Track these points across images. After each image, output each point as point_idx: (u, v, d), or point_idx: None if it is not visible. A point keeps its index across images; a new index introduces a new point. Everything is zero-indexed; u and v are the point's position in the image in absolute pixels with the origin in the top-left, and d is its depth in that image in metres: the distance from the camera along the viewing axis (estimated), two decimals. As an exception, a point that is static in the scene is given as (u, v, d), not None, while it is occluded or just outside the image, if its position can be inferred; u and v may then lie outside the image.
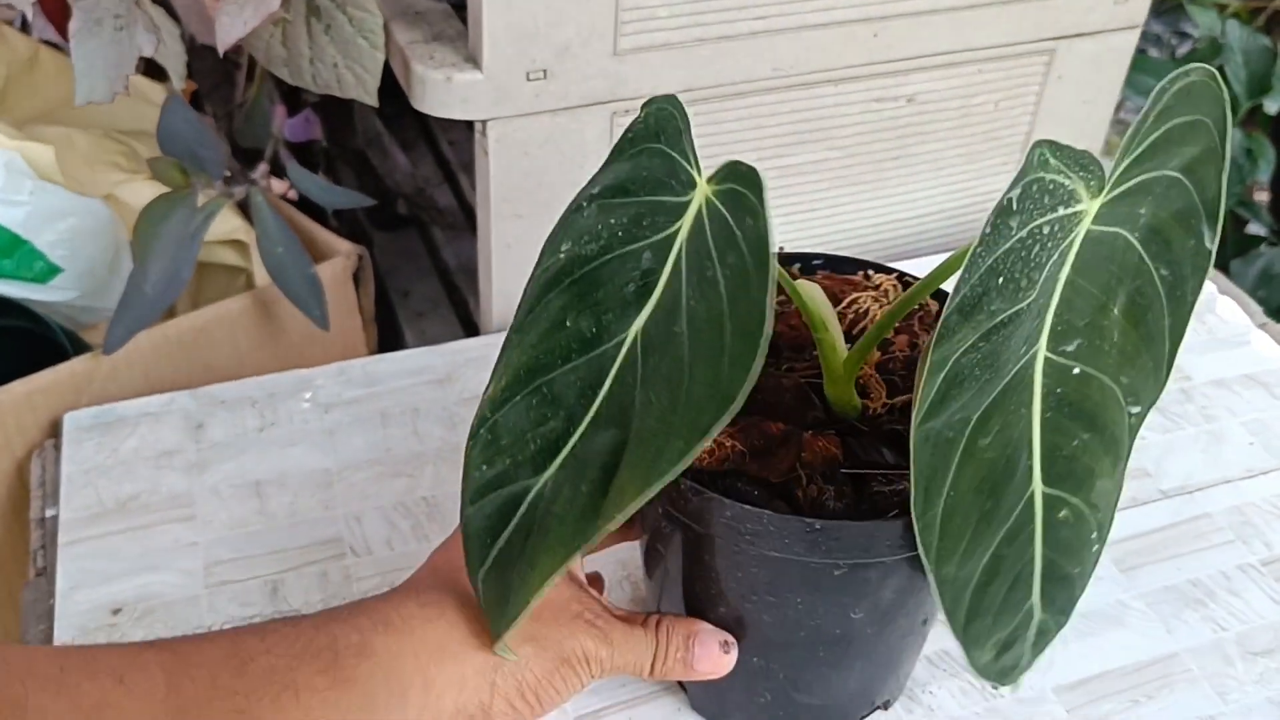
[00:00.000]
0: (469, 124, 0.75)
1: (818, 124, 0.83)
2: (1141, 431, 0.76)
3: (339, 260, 0.89)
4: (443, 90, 0.73)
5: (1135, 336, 0.47)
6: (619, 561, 0.68)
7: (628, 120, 0.77)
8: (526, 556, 0.45)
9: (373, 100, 0.72)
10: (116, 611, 0.65)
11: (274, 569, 0.67)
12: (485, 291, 0.83)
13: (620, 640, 0.52)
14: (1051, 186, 0.44)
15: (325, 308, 0.81)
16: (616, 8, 0.73)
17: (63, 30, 1.06)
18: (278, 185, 0.83)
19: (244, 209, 0.89)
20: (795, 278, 0.56)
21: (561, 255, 0.47)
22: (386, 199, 1.00)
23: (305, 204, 0.94)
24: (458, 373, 0.80)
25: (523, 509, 0.46)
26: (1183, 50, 1.82)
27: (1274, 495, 0.73)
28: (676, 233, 0.45)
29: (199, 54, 1.08)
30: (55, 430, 0.76)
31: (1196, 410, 0.79)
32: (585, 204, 0.48)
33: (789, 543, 0.49)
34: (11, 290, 0.82)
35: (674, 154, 0.46)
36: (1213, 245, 0.46)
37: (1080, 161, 0.45)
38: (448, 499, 0.72)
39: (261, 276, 0.89)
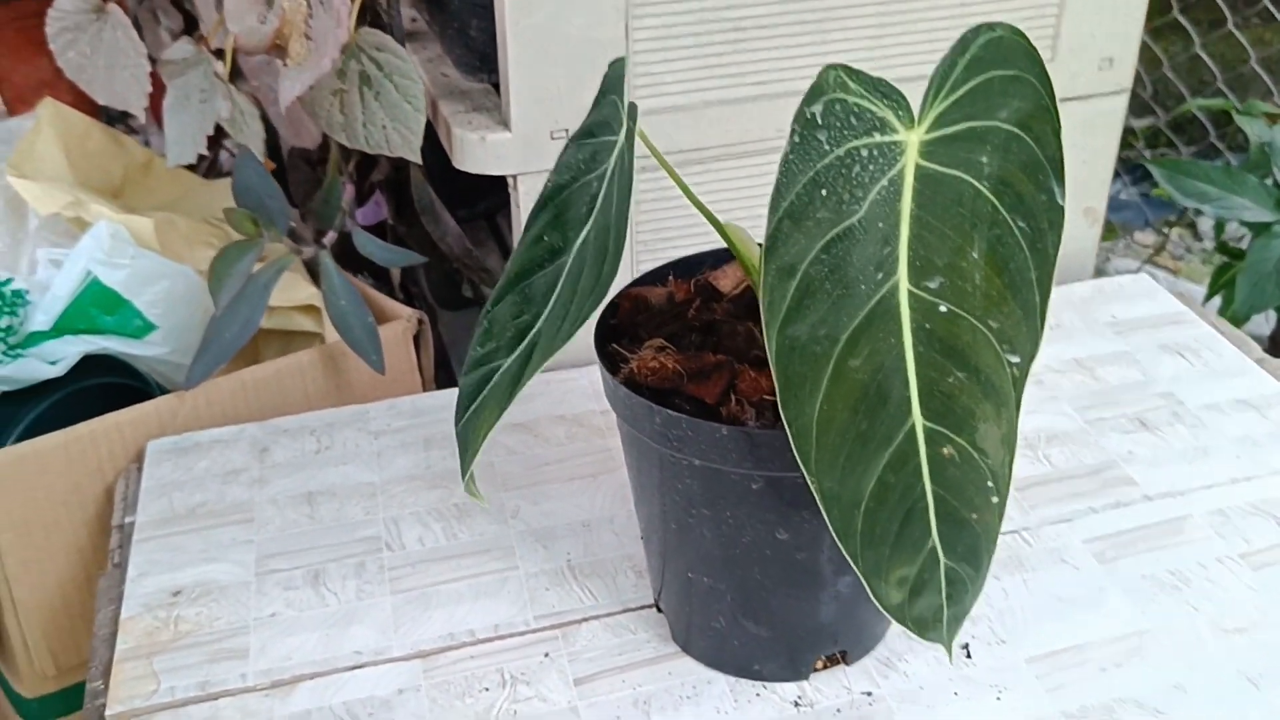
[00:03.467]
0: None
1: (822, 181, 0.91)
2: (1129, 447, 0.81)
3: (400, 322, 0.99)
4: (478, 149, 0.83)
5: (1000, 283, 0.51)
6: (625, 556, 0.74)
7: (643, 177, 0.87)
8: (479, 414, 0.56)
9: (416, 157, 0.82)
10: (176, 593, 0.73)
11: (317, 560, 0.75)
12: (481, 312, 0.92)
13: None
14: (858, 109, 0.50)
15: (381, 354, 0.90)
16: (628, 75, 0.83)
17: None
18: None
19: (317, 280, 1.00)
20: None
21: (549, 185, 0.58)
22: (452, 279, 1.11)
23: (376, 287, 1.05)
24: (495, 406, 0.88)
25: (492, 381, 0.56)
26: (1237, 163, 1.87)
27: (1258, 499, 0.77)
28: (608, 167, 0.55)
29: (295, 166, 1.23)
30: (140, 458, 0.86)
31: (1186, 430, 0.83)
32: (570, 143, 0.59)
33: (705, 449, 0.56)
34: (113, 345, 0.94)
35: (618, 103, 0.56)
36: (1063, 202, 0.51)
37: (880, 89, 0.51)
38: (477, 507, 0.79)
39: (332, 336, 0.99)
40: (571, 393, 0.89)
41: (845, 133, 0.50)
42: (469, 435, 0.59)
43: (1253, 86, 2.09)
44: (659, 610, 0.70)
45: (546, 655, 0.68)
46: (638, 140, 0.54)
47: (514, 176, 0.85)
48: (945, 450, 0.52)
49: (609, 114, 0.57)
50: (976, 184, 0.51)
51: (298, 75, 0.75)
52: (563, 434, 0.85)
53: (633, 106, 0.55)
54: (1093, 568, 0.72)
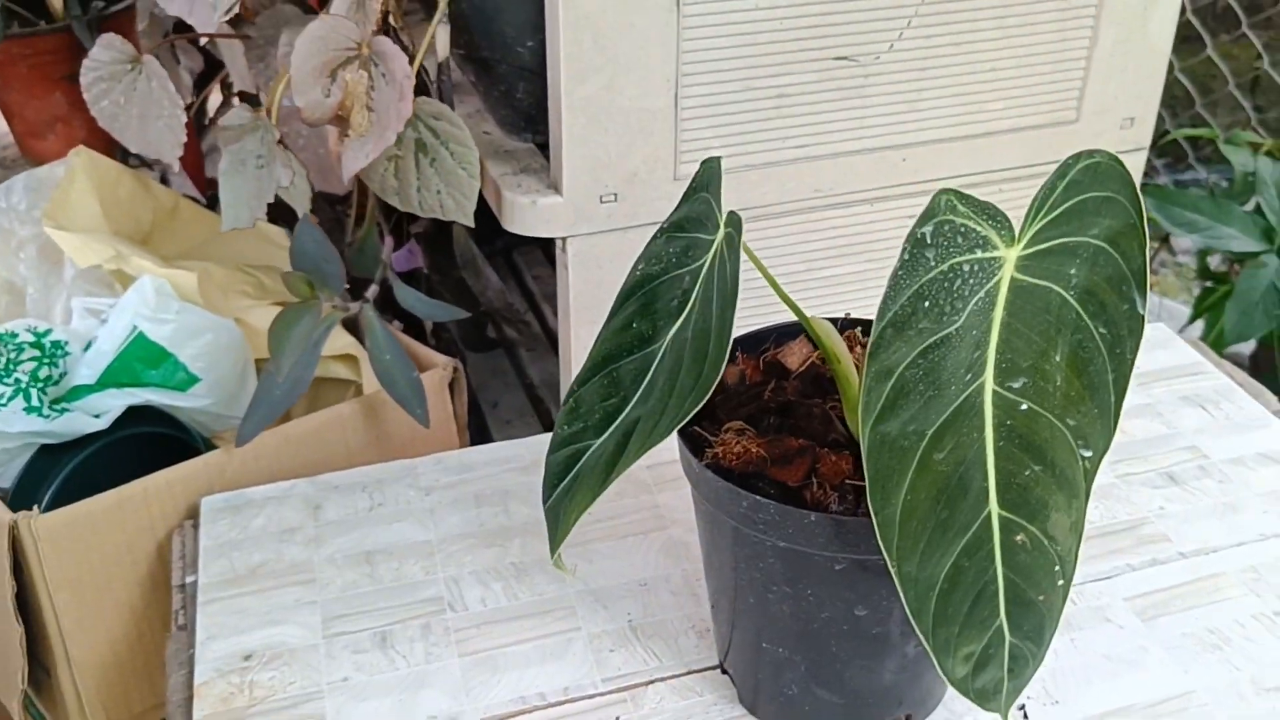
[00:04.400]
0: (550, 260, 0.87)
1: (856, 239, 0.94)
2: (1160, 503, 0.84)
3: (437, 371, 1.01)
4: (529, 213, 0.85)
5: (1079, 384, 0.54)
6: (685, 616, 0.77)
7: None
8: (571, 496, 0.60)
9: (469, 221, 0.84)
10: (248, 658, 0.75)
11: (383, 622, 0.77)
12: (567, 391, 0.94)
13: None
14: (964, 229, 0.54)
15: (426, 407, 0.92)
16: (676, 141, 0.85)
17: (199, 183, 1.22)
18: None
19: (353, 330, 1.02)
20: (852, 341, 0.68)
21: (638, 272, 0.62)
22: (479, 322, 1.12)
23: (406, 331, 1.07)
24: (541, 460, 0.90)
25: (581, 461, 0.60)
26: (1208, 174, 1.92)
27: (1286, 556, 0.80)
28: (703, 264, 0.58)
29: (315, 204, 1.24)
30: (193, 513, 0.87)
31: (1214, 484, 0.86)
32: (659, 235, 0.62)
33: (793, 533, 0.59)
34: (157, 397, 0.95)
35: (712, 201, 0.59)
36: (1144, 311, 0.55)
37: (986, 211, 0.55)
38: (534, 565, 0.81)
39: (369, 386, 1.01)
40: (614, 446, 0.91)
41: (951, 250, 0.53)
42: (560, 515, 0.61)
43: (1225, 105, 2.14)
44: (724, 672, 0.73)
45: (618, 719, 0.70)
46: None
47: (563, 239, 0.87)
48: (1019, 537, 0.55)
49: (702, 211, 0.59)
50: (1064, 293, 0.54)
51: (361, 147, 0.76)
52: (611, 491, 0.87)
53: (735, 216, 0.57)
54: (1135, 626, 0.75)
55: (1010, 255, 0.54)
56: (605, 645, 0.75)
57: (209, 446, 0.96)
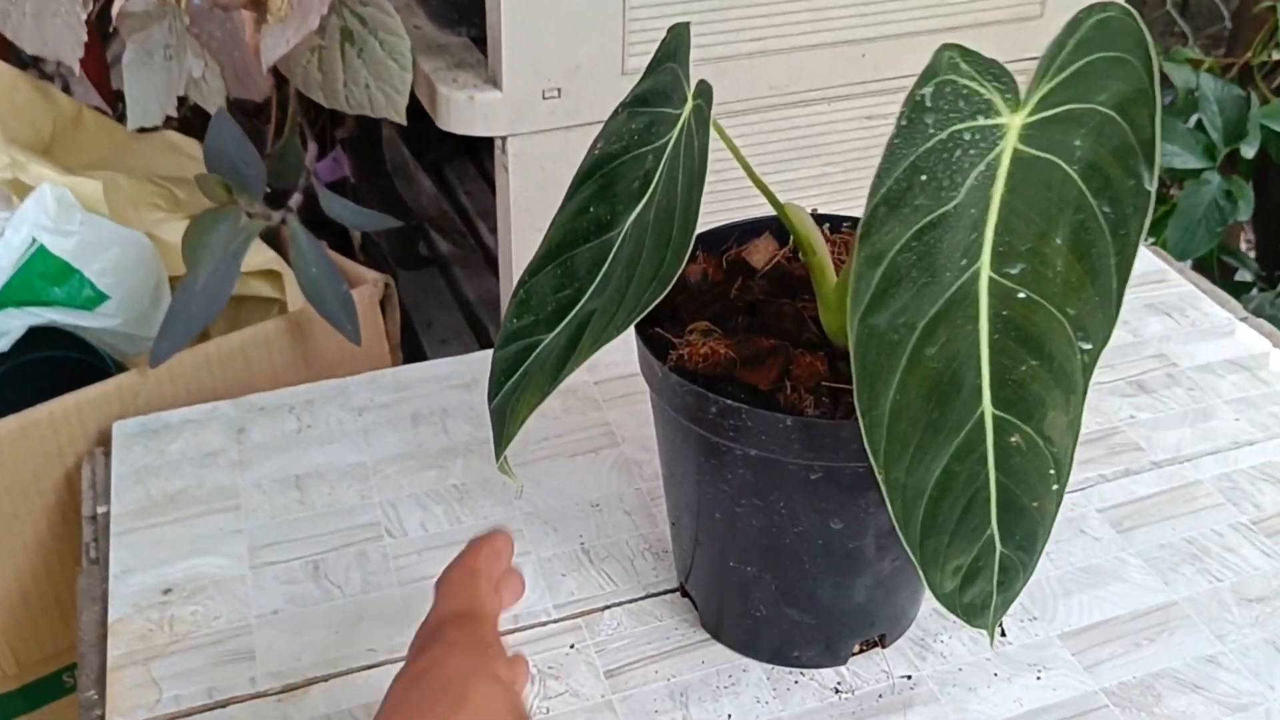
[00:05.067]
0: (483, 174, 0.81)
1: (815, 140, 0.89)
2: (1130, 411, 0.81)
3: (367, 287, 0.94)
4: (466, 109, 0.79)
5: (1080, 269, 0.49)
6: (640, 537, 0.72)
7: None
8: (519, 394, 0.54)
9: (401, 118, 0.78)
10: (167, 591, 0.69)
11: (316, 550, 0.71)
12: (506, 305, 0.88)
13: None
14: (966, 92, 0.48)
15: (357, 323, 0.86)
16: (624, 31, 0.79)
17: (105, 94, 1.13)
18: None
19: (275, 245, 0.95)
20: (828, 237, 0.62)
21: (596, 152, 0.56)
22: (410, 238, 1.06)
23: (332, 247, 1.00)
24: (482, 377, 0.83)
25: (531, 358, 0.54)
26: (1165, 101, 1.90)
27: (1262, 463, 0.77)
28: (668, 141, 0.52)
29: (233, 112, 1.15)
30: (104, 440, 0.81)
31: (1184, 392, 0.83)
32: (620, 109, 0.56)
33: (765, 439, 0.54)
34: (61, 317, 0.87)
35: (679, 71, 0.53)
36: (1151, 186, 0.49)
37: (991, 70, 0.49)
38: (477, 486, 0.76)
39: (294, 303, 0.94)
40: (560, 362, 0.86)
41: (951, 116, 0.48)
42: (506, 414, 0.56)
43: (1158, 26, 2.12)
44: (684, 595, 0.68)
45: (572, 647, 0.66)
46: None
47: (503, 139, 0.80)
48: (1013, 438, 0.50)
49: (668, 83, 0.53)
50: (1066, 168, 0.49)
51: (281, 33, 0.69)
52: (558, 407, 0.82)
53: (705, 86, 0.51)
54: (1111, 538, 0.72)
55: (1014, 123, 0.49)
56: (556, 570, 0.70)
57: (121, 371, 0.89)
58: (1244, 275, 1.66)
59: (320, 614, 0.67)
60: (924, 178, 0.47)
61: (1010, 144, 0.48)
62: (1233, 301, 0.93)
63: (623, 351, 0.87)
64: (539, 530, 0.73)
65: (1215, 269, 1.66)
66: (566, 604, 0.68)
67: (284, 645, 0.66)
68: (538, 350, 0.55)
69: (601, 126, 0.57)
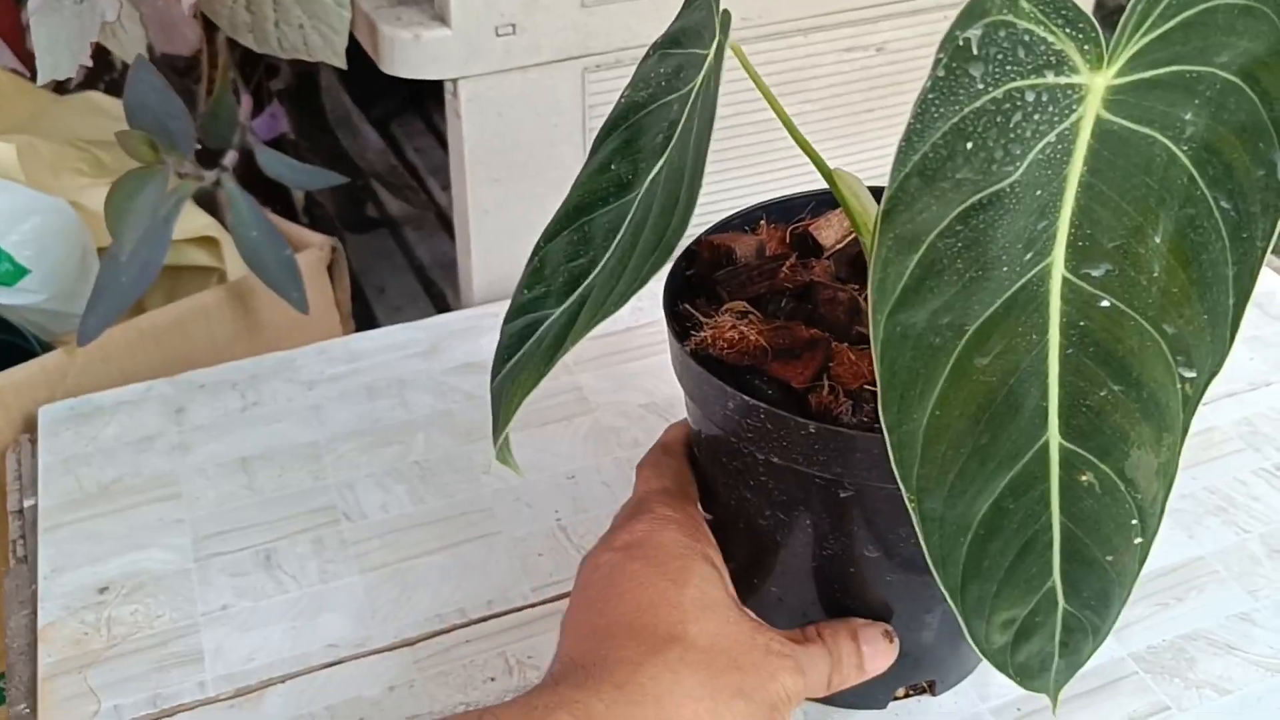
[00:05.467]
0: (433, 130, 0.74)
1: (791, 75, 0.83)
2: (1141, 353, 0.76)
3: (312, 251, 0.87)
4: (412, 50, 0.72)
5: (1184, 278, 0.40)
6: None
7: (599, 76, 0.77)
8: (516, 374, 0.46)
9: (341, 61, 0.71)
10: (104, 590, 0.62)
11: (266, 538, 0.65)
12: (464, 263, 0.82)
13: (808, 664, 0.49)
14: (1028, 39, 0.38)
15: (303, 290, 0.79)
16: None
17: (21, 54, 1.05)
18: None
19: (211, 208, 0.88)
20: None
21: (623, 100, 0.47)
22: (358, 198, 0.99)
23: (274, 211, 0.93)
24: (442, 344, 0.78)
25: (536, 334, 0.46)
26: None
27: (1280, 405, 0.73)
28: (694, 88, 0.44)
29: (161, 71, 1.08)
30: (29, 426, 0.74)
31: (1193, 332, 0.78)
32: (652, 52, 0.48)
33: (788, 447, 0.46)
34: (-23, 294, 0.80)
35: (713, 4, 0.45)
36: None
37: (1063, 11, 0.39)
38: (440, 462, 0.69)
39: (234, 271, 0.87)
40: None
41: (1009, 69, 0.38)
42: (504, 396, 0.48)
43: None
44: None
45: (553, 634, 0.60)
46: (729, 61, 0.44)
47: (454, 81, 0.74)
48: (1084, 477, 0.41)
49: (701, 20, 0.45)
50: (1173, 147, 0.39)
51: (202, -33, 0.62)
52: (525, 373, 0.76)
53: (726, 14, 0.44)
54: (1129, 490, 0.67)
55: (1097, 84, 0.39)
56: (532, 549, 0.64)
57: (47, 351, 0.81)
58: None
59: (274, 608, 0.61)
60: (970, 145, 0.38)
61: (1092, 111, 0.39)
62: (1235, 235, 0.88)
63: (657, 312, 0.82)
64: (510, 507, 0.67)
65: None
66: (545, 586, 0.62)
67: (235, 645, 0.59)
68: (543, 326, 0.48)
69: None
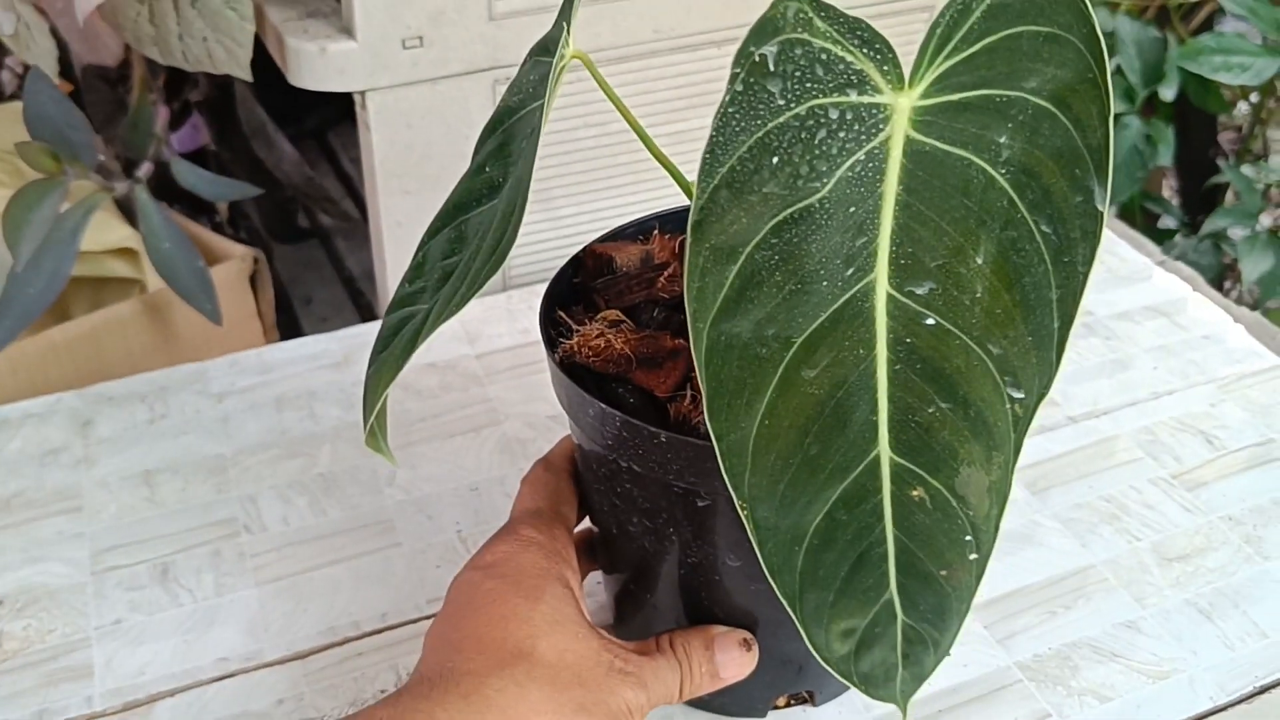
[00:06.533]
0: None
1: (705, 88, 0.83)
2: (1046, 363, 0.76)
3: (233, 263, 0.87)
4: (318, 63, 0.72)
5: (1008, 299, 0.40)
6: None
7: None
8: (380, 367, 0.47)
9: (245, 74, 0.71)
10: (-3, 605, 0.62)
11: (164, 551, 0.65)
12: (380, 274, 0.82)
13: (651, 678, 0.49)
14: (825, 57, 0.39)
15: (216, 301, 0.79)
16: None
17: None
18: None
19: (130, 217, 0.88)
20: None
21: (501, 104, 0.48)
22: (286, 208, 0.99)
23: (203, 222, 0.93)
24: (355, 354, 0.78)
25: (405, 327, 0.47)
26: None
27: (1182, 414, 0.73)
28: (547, 96, 0.44)
29: (92, 86, 1.07)
30: (-64, 440, 0.74)
31: (1100, 342, 0.79)
32: (529, 58, 0.49)
33: (643, 455, 0.47)
34: (-111, 307, 0.80)
35: (563, 21, 0.46)
36: (1103, 206, 0.40)
37: (858, 32, 0.40)
38: (345, 475, 0.70)
39: (154, 283, 0.87)
40: (438, 337, 0.79)
41: (809, 85, 0.39)
42: (370, 385, 0.48)
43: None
44: (569, 583, 0.63)
45: (446, 645, 0.60)
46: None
47: (362, 93, 0.74)
48: (915, 492, 0.42)
49: (559, 28, 0.46)
50: (990, 170, 0.40)
51: (96, -20, 0.62)
52: (435, 384, 0.76)
53: (566, 5, 0.45)
54: (1027, 499, 0.67)
55: (902, 104, 0.40)
56: (430, 562, 0.65)
57: (-39, 362, 0.81)
58: (1168, 222, 1.64)
59: (167, 621, 0.61)
60: (775, 159, 0.39)
61: (900, 131, 0.40)
62: (1150, 245, 0.89)
63: (506, 323, 0.82)
64: (411, 519, 0.67)
65: (1138, 216, 1.63)
66: (440, 598, 0.62)
67: (126, 659, 0.59)
68: (414, 320, 0.48)
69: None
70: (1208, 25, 1.66)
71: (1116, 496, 0.68)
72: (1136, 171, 1.54)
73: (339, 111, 1.15)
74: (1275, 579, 0.63)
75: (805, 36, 0.39)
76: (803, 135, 0.39)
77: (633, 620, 0.57)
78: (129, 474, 0.70)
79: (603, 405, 0.47)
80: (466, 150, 0.50)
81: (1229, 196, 1.67)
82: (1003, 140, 0.40)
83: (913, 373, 0.40)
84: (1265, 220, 1.58)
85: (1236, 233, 1.48)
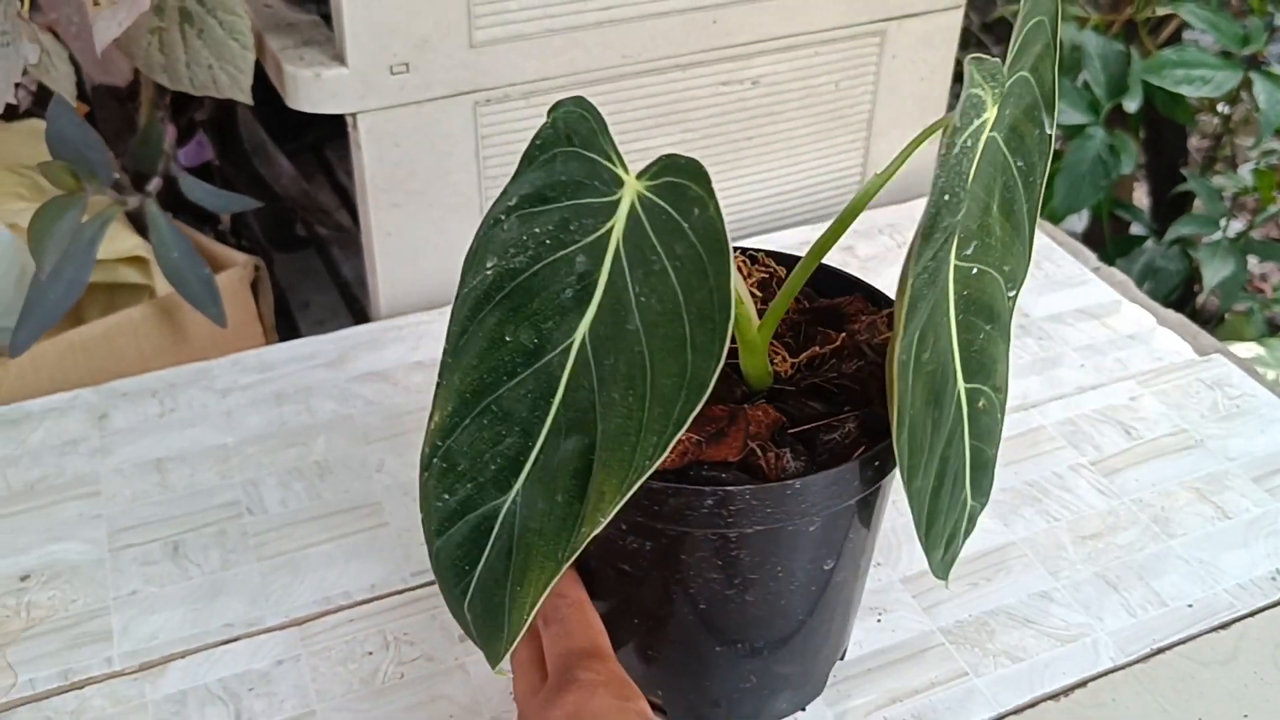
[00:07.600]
0: None
1: (671, 108, 0.90)
2: (982, 361, 0.83)
3: (236, 270, 0.94)
4: (313, 87, 0.79)
5: (1009, 227, 0.50)
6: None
7: (490, 110, 0.84)
8: (513, 575, 0.45)
9: (247, 98, 0.78)
10: (24, 578, 0.69)
11: (175, 530, 0.72)
12: (372, 281, 0.89)
13: None
14: (973, 100, 0.45)
15: (221, 305, 0.86)
16: (469, 2, 0.79)
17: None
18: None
19: (140, 228, 0.94)
20: (745, 268, 0.60)
21: (489, 271, 0.46)
22: (286, 219, 1.06)
23: (209, 232, 0.99)
24: (349, 354, 0.85)
25: (495, 530, 0.46)
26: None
27: (1103, 406, 0.80)
28: (610, 231, 0.45)
29: (102, 103, 1.15)
30: (-35, 432, 0.80)
31: (1034, 341, 0.86)
32: (504, 217, 0.46)
33: (771, 511, 0.49)
34: (-80, 310, 0.87)
35: (592, 155, 0.46)
36: (1052, 131, 0.50)
37: (991, 72, 0.46)
38: (338, 462, 0.76)
39: (163, 289, 0.94)
40: (425, 338, 0.86)
41: (964, 129, 0.45)
42: (495, 607, 0.46)
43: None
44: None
45: (431, 616, 0.67)
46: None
47: (353, 115, 0.81)
48: (980, 404, 0.51)
49: (575, 169, 0.46)
50: (998, 139, 0.48)
51: (113, 15, 0.69)
52: (421, 381, 0.83)
53: (671, 159, 0.45)
54: (956, 484, 0.74)
55: (992, 114, 0.46)
56: (415, 539, 0.71)
57: (-14, 363, 0.88)
58: (1138, 229, 1.70)
59: (178, 592, 0.68)
60: (946, 197, 0.44)
61: (985, 135, 0.47)
62: (1086, 252, 0.95)
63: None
64: (398, 501, 0.74)
65: (1106, 223, 1.70)
66: (423, 571, 0.69)
67: (141, 625, 0.66)
68: (502, 516, 0.46)
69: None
70: (1177, 38, 1.72)
71: (1039, 481, 0.74)
72: (1100, 180, 1.60)
73: (334, 128, 1.22)
74: (1178, 555, 0.70)
75: (972, 89, 0.46)
76: (956, 169, 0.45)
77: (723, 675, 0.59)
78: (142, 462, 0.76)
79: (725, 489, 0.48)
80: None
81: (1196, 204, 1.73)
82: (1008, 112, 0.49)
83: (969, 315, 0.49)
84: (1237, 226, 1.64)
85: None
